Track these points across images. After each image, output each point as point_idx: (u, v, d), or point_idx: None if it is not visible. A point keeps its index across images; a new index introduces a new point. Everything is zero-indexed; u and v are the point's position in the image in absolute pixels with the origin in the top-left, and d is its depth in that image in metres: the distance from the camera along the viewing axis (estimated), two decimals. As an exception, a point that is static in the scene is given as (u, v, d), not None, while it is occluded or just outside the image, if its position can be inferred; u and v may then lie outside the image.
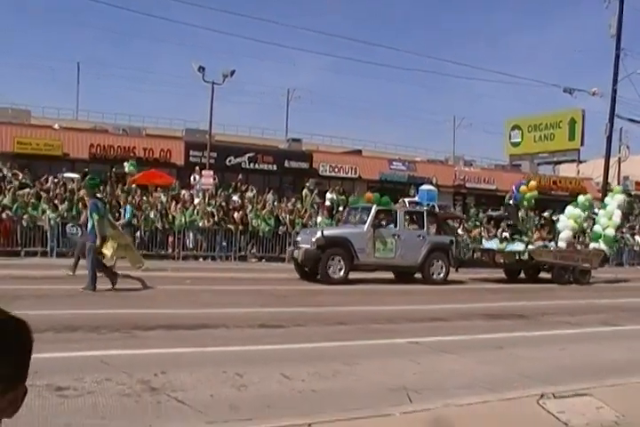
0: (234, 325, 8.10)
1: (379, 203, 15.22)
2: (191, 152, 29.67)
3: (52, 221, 17.17)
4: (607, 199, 20.09)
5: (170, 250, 18.81)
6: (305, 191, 25.36)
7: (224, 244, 19.46)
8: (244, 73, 67.33)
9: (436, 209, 25.91)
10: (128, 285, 11.00)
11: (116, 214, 16.45)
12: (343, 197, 25.68)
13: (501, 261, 17.28)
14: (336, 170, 33.13)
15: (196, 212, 19.65)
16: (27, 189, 18.71)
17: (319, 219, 21.49)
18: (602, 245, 18.87)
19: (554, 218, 20.22)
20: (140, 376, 5.27)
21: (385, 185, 34.18)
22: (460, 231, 23.06)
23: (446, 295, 13.37)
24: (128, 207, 15.94)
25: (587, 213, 19.37)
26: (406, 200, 26.82)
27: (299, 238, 15.08)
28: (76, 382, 4.99)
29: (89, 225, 11.03)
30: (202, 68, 25.89)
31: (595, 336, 8.85)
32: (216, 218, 19.52)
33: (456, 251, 15.99)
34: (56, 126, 29.46)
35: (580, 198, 19.35)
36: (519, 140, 48.28)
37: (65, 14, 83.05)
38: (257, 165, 31.15)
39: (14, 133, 26.70)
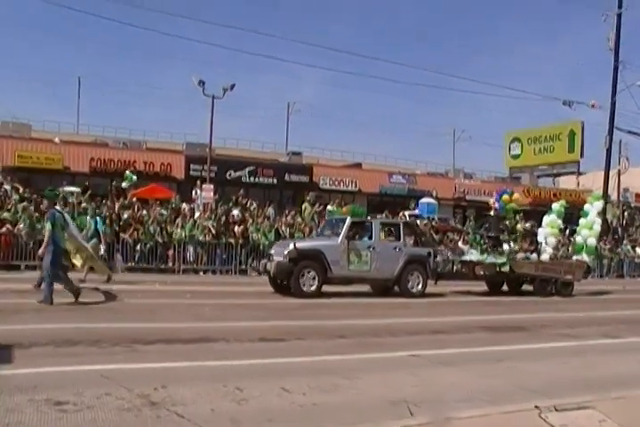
0: (234, 338, 8.08)
1: (353, 214, 14.97)
2: (191, 166, 29.76)
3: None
4: (587, 207, 19.50)
5: (170, 264, 18.79)
6: (305, 205, 25.38)
7: (224, 257, 19.45)
8: (244, 87, 67.92)
9: (436, 222, 25.92)
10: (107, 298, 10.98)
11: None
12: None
13: (481, 273, 16.99)
14: (336, 183, 33.21)
15: (196, 226, 19.66)
16: (24, 203, 18.72)
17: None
18: (584, 257, 18.49)
19: (534, 229, 19.74)
20: (139, 391, 5.25)
21: (385, 198, 34.27)
22: (460, 244, 22.99)
23: (445, 308, 13.36)
24: (98, 219, 15.76)
25: (562, 216, 18.95)
26: (406, 213, 26.87)
27: (272, 251, 14.70)
28: (75, 397, 4.97)
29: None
30: (202, 82, 26.01)
31: (596, 349, 8.81)
32: (214, 231, 19.52)
33: (434, 263, 15.59)
34: (57, 140, 29.56)
35: (555, 206, 19.03)
36: (519, 152, 48.41)
37: (66, 28, 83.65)
38: (257, 179, 31.23)
39: (15, 147, 26.81)
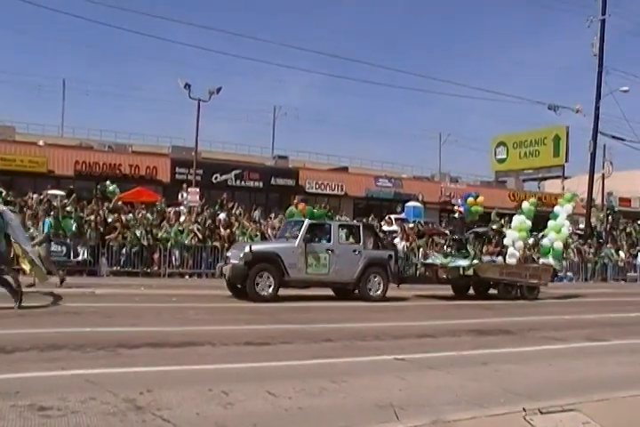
0: (220, 342, 8.05)
1: (312, 216, 14.53)
2: (177, 169, 29.70)
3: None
4: (556, 209, 18.87)
5: (155, 267, 18.70)
6: (291, 208, 25.35)
7: (210, 261, 19.37)
8: (230, 90, 67.78)
9: (422, 225, 25.95)
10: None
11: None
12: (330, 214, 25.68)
13: (444, 276, 16.44)
14: (322, 187, 33.26)
15: (181, 229, 19.59)
16: (10, 207, 18.56)
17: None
18: (550, 260, 18.01)
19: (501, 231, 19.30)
20: (125, 395, 5.21)
21: (371, 202, 34.39)
22: (446, 248, 22.97)
23: (432, 312, 13.38)
24: (47, 220, 15.57)
25: (531, 217, 18.24)
26: (392, 217, 26.96)
27: (229, 254, 14.34)
28: (59, 402, 4.92)
29: None
30: (188, 85, 25.97)
31: (581, 351, 8.88)
32: (199, 235, 19.45)
33: (395, 266, 15.16)
34: (41, 143, 29.38)
35: (524, 205, 18.51)
36: (504, 156, 48.78)
37: (51, 31, 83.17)
38: (243, 182, 31.22)
39: (-2, 150, 26.58)
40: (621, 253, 29.73)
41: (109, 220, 18.99)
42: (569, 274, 26.65)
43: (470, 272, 16.05)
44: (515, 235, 17.62)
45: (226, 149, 42.21)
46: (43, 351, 6.93)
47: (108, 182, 24.18)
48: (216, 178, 30.46)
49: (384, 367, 7.06)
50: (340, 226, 15.09)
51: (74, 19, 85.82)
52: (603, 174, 38.14)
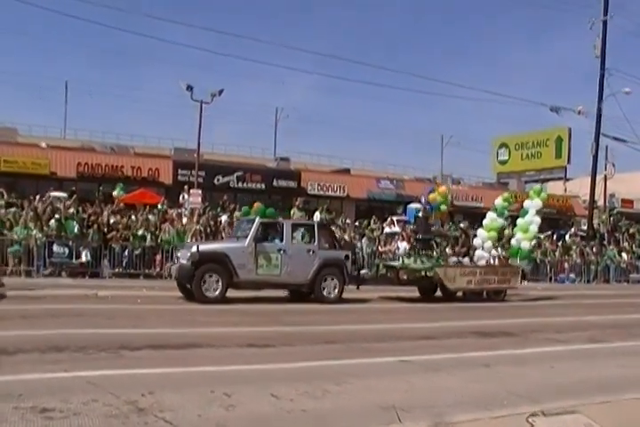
0: (222, 344, 8.05)
1: (263, 215, 14.06)
2: (179, 171, 29.69)
3: (38, 241, 17.05)
4: (526, 204, 17.75)
5: (157, 269, 18.70)
6: (294, 210, 25.36)
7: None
8: (232, 92, 67.83)
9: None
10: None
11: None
12: (332, 216, 25.71)
13: (405, 278, 15.63)
14: (324, 189, 33.23)
15: (183, 231, 19.59)
16: (13, 209, 18.60)
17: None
18: (518, 261, 17.31)
19: (469, 231, 18.66)
20: (127, 397, 5.21)
21: (373, 204, 34.36)
22: (447, 249, 22.80)
23: (433, 313, 13.37)
24: None
25: (506, 214, 17.65)
26: (394, 218, 26.90)
27: (179, 254, 13.86)
28: (61, 404, 4.92)
29: None
30: (190, 87, 25.93)
31: (583, 353, 8.86)
32: (201, 236, 19.44)
33: (352, 267, 14.62)
34: (43, 145, 29.40)
35: (497, 202, 17.67)
36: (506, 158, 48.73)
37: (53, 32, 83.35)
38: (245, 184, 31.20)
39: (1, 152, 26.60)
40: (624, 255, 29.67)
41: (112, 221, 19.01)
42: (571, 275, 26.62)
43: (432, 274, 15.38)
44: (484, 235, 16.91)
45: (228, 151, 42.29)
46: (45, 353, 6.93)
47: (116, 190, 24.17)
48: (218, 180, 30.45)
49: (387, 369, 7.05)
50: (294, 225, 14.63)
51: (76, 20, 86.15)
52: (605, 176, 38.11)
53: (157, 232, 19.19)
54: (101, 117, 77.76)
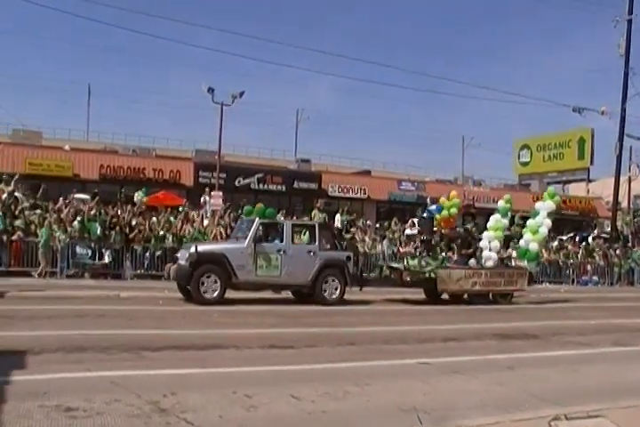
0: (244, 345, 8.08)
1: (262, 215, 13.82)
2: (201, 173, 29.83)
3: (61, 242, 17.25)
4: (538, 205, 17.34)
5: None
6: (314, 212, 25.38)
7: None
8: (253, 94, 68.16)
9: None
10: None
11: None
12: (352, 218, 25.72)
13: (408, 279, 15.35)
14: (345, 190, 33.18)
15: (204, 232, 19.69)
16: (38, 211, 18.84)
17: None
18: (525, 263, 16.88)
19: (474, 232, 17.81)
20: (149, 397, 5.26)
21: (394, 205, 34.25)
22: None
23: (455, 315, 13.30)
24: None
25: (509, 216, 17.28)
26: (415, 220, 26.82)
27: (179, 254, 13.69)
28: (85, 403, 4.98)
29: None
30: (211, 90, 26.10)
31: (607, 357, 8.76)
32: (225, 238, 19.50)
33: (354, 268, 14.38)
34: (67, 147, 29.72)
35: (500, 203, 17.37)
36: (528, 159, 48.39)
37: (76, 36, 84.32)
38: (266, 186, 31.26)
39: (26, 155, 26.96)
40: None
41: (133, 223, 19.17)
42: (594, 278, 26.34)
43: (436, 275, 15.12)
44: (490, 235, 16.60)
45: (249, 153, 42.47)
46: (69, 353, 7.02)
47: (137, 193, 24.35)
48: (239, 181, 30.55)
49: (408, 371, 7.04)
50: (294, 225, 14.49)
51: (99, 24, 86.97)
52: (629, 177, 37.66)
53: (179, 234, 19.31)
54: (124, 120, 78.35)
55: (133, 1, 51.28)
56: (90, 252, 17.52)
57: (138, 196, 23.79)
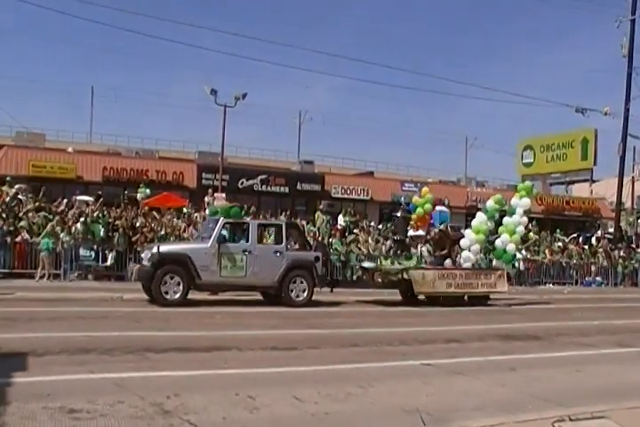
0: (246, 347, 8.09)
1: (227, 215, 13.52)
2: (204, 175, 29.89)
3: (65, 244, 17.28)
4: (514, 201, 16.60)
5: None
6: (317, 213, 25.39)
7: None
8: (256, 95, 68.14)
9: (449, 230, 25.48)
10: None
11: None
12: (355, 219, 25.72)
13: (379, 280, 14.93)
14: (348, 192, 33.21)
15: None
16: (42, 213, 18.88)
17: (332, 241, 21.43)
18: (503, 264, 16.35)
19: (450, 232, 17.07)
20: (152, 399, 5.27)
21: (397, 206, 34.25)
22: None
23: (457, 317, 13.29)
24: None
25: (495, 217, 16.46)
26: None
27: (143, 255, 13.22)
28: (89, 405, 5.00)
29: None
30: (214, 91, 26.20)
31: (611, 358, 8.74)
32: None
33: (323, 269, 13.93)
34: (70, 149, 29.80)
35: (489, 203, 16.66)
36: (531, 160, 48.33)
37: (79, 38, 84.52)
38: (269, 188, 31.30)
39: (29, 157, 27.04)
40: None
41: (137, 225, 19.19)
42: (598, 279, 26.30)
43: (408, 276, 14.65)
44: (472, 236, 16.06)
45: (252, 155, 42.49)
46: (72, 355, 7.03)
47: (141, 185, 24.39)
48: (242, 183, 30.59)
49: (411, 373, 7.03)
50: (260, 225, 14.19)
51: (102, 26, 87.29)
52: (632, 177, 37.63)
53: (182, 235, 19.33)
54: (127, 122, 78.44)
55: (137, 3, 51.35)
56: (93, 254, 17.54)
57: (141, 192, 23.83)
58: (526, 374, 7.18)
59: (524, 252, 25.34)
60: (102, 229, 18.14)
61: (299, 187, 32.04)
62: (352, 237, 22.08)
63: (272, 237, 14.81)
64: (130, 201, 23.32)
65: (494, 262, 16.78)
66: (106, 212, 19.75)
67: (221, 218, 13.36)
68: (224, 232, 13.24)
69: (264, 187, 31.15)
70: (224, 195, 24.40)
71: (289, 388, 5.91)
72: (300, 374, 6.76)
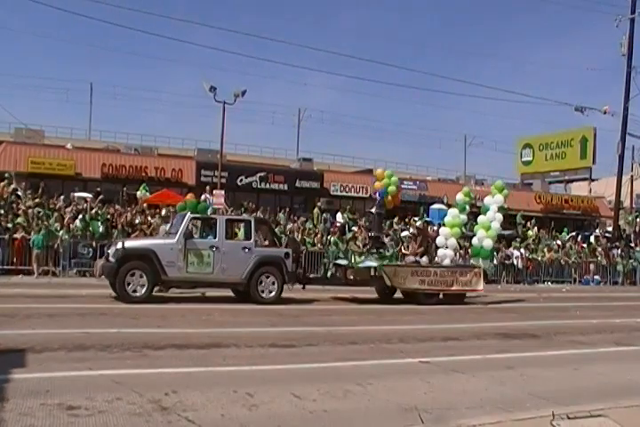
0: (244, 344, 8.09)
1: (194, 210, 13.34)
2: (202, 172, 29.89)
3: (64, 242, 17.28)
4: (487, 200, 16.55)
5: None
6: (316, 211, 25.41)
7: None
8: (255, 92, 67.96)
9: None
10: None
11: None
12: (355, 217, 25.74)
13: (351, 277, 14.75)
14: (347, 189, 33.22)
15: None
16: (36, 209, 18.88)
17: (331, 239, 21.45)
18: (480, 262, 16.08)
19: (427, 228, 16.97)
20: (150, 396, 5.27)
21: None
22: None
23: (456, 314, 13.30)
24: None
25: (467, 210, 16.44)
26: (416, 219, 26.81)
27: (109, 251, 12.85)
28: (87, 402, 4.99)
29: None
30: (213, 88, 26.12)
31: (609, 356, 8.75)
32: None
33: (293, 265, 13.67)
34: (69, 146, 29.78)
35: (458, 197, 16.62)
36: (530, 158, 48.38)
37: (78, 35, 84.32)
38: (268, 185, 31.30)
39: (28, 153, 27.03)
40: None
41: (136, 222, 19.19)
42: (596, 277, 26.33)
43: (381, 273, 14.43)
44: (447, 232, 15.92)
45: (251, 152, 42.37)
46: (71, 351, 7.02)
47: (140, 190, 24.40)
48: (241, 180, 30.60)
49: (409, 370, 7.04)
50: (228, 221, 13.94)
51: (100, 23, 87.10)
52: (631, 176, 37.64)
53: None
54: (126, 119, 78.29)
55: (136, 0, 51.31)
56: (92, 251, 17.54)
57: (141, 193, 23.85)
58: (524, 372, 7.18)
59: (522, 250, 25.42)
60: (101, 226, 18.14)
61: (297, 184, 32.05)
62: (350, 234, 22.10)
63: (237, 232, 14.66)
64: (129, 198, 23.32)
65: (471, 260, 16.58)
66: (105, 209, 19.75)
67: (188, 213, 13.17)
68: (191, 228, 13.07)
69: (263, 184, 31.15)
70: (223, 192, 24.37)
71: (287, 385, 5.91)
72: (298, 372, 6.76)
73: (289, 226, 22.46)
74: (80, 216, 18.44)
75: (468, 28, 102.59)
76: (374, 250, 15.77)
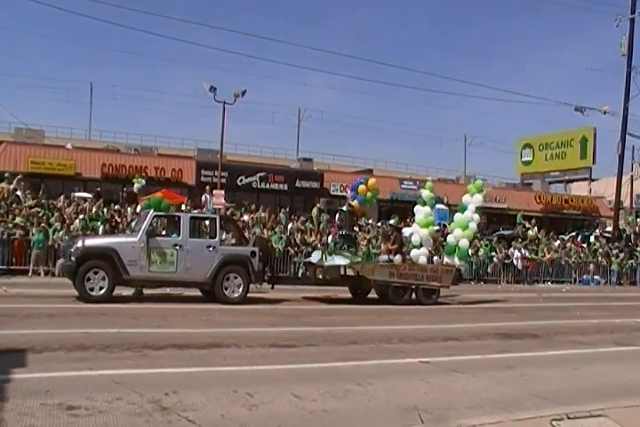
0: (245, 344, 8.09)
1: (157, 207, 13.08)
2: (202, 172, 29.91)
3: (64, 242, 17.25)
4: (465, 199, 16.22)
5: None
6: (314, 210, 25.40)
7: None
8: (255, 92, 68.02)
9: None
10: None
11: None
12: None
13: (320, 276, 14.57)
14: (347, 189, 33.18)
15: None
16: (35, 209, 18.86)
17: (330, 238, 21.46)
18: (455, 260, 15.82)
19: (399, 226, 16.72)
20: (150, 396, 5.26)
21: (396, 204, 34.26)
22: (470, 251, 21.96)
23: (456, 315, 13.30)
24: None
25: (435, 206, 16.24)
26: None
27: (72, 249, 12.41)
28: (87, 402, 4.99)
29: None
30: (213, 88, 26.13)
31: (609, 356, 8.76)
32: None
33: (260, 264, 13.37)
34: (69, 146, 29.80)
35: (423, 193, 16.23)
36: (530, 158, 48.40)
37: (78, 35, 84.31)
38: (268, 185, 31.32)
39: (28, 153, 27.05)
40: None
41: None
42: (596, 277, 26.34)
43: (352, 272, 14.28)
44: (420, 230, 15.54)
45: (251, 152, 42.37)
46: (71, 351, 7.02)
47: (135, 181, 24.34)
48: (241, 180, 30.63)
49: (409, 370, 7.04)
50: (193, 218, 13.61)
51: (100, 23, 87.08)
52: (631, 176, 37.68)
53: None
54: (126, 119, 78.26)
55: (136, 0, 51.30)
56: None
57: (137, 182, 23.76)
58: (524, 372, 7.19)
59: (522, 250, 25.43)
60: (101, 226, 18.13)
61: (297, 184, 32.07)
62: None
63: (202, 230, 14.51)
64: (129, 196, 23.31)
65: (445, 259, 16.35)
66: (105, 208, 19.73)
67: (151, 211, 12.96)
68: (154, 226, 12.88)
69: (263, 184, 31.17)
70: (223, 192, 24.38)
71: (288, 385, 5.91)
72: (298, 372, 6.76)
73: (290, 225, 22.46)
74: (80, 216, 18.42)
75: (468, 28, 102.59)
76: (345, 247, 15.43)
